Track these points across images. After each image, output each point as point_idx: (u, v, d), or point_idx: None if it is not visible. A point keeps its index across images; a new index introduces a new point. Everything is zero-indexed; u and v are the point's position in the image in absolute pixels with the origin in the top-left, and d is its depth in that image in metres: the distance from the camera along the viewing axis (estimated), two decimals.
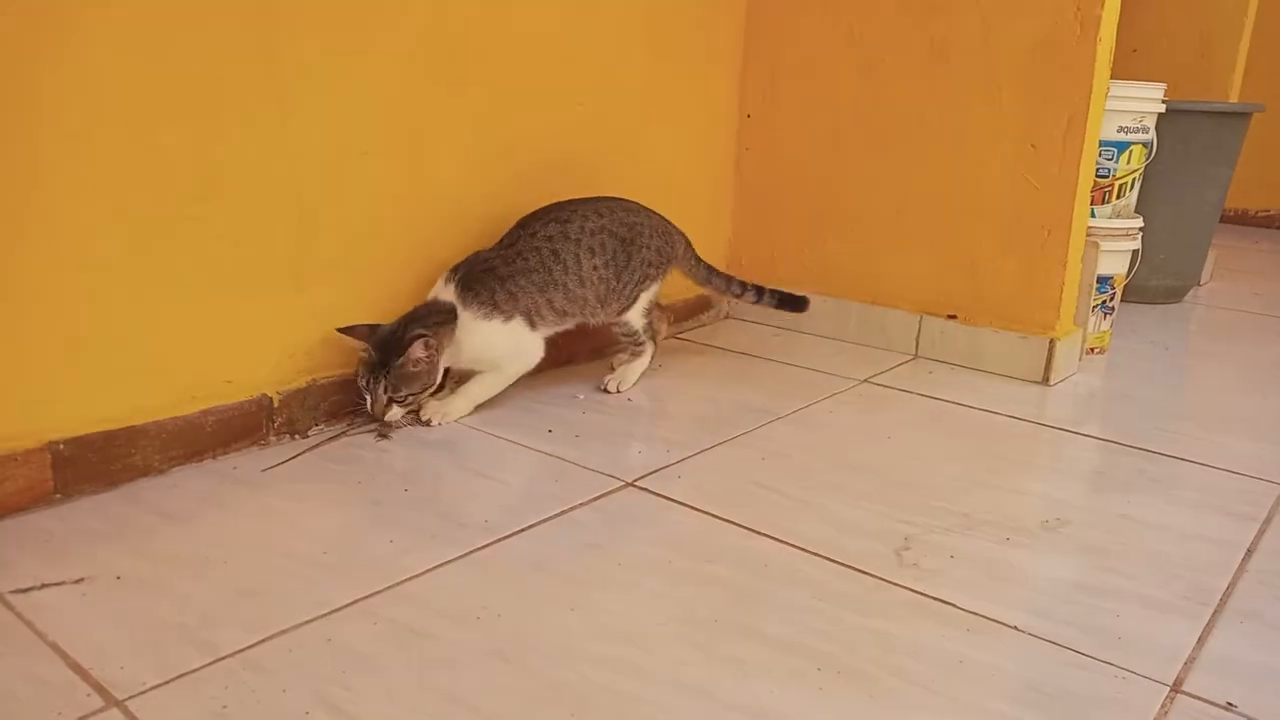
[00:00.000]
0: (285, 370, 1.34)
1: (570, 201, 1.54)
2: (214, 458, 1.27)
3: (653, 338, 1.64)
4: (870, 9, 1.82)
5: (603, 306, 1.54)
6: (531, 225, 1.49)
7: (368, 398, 1.34)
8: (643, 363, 1.63)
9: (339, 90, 1.32)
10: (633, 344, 1.62)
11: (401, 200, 1.44)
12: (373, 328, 1.36)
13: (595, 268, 1.51)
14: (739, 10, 1.96)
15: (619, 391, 1.58)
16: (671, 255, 1.63)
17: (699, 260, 1.70)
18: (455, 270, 1.44)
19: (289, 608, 0.93)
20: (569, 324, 1.54)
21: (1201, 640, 0.94)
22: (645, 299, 1.60)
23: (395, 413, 1.36)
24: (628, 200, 1.60)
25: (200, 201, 1.21)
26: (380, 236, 1.42)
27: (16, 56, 1.03)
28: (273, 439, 1.33)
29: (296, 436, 1.35)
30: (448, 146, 1.48)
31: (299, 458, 1.28)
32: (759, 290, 1.74)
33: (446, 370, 1.43)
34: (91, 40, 1.08)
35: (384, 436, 1.37)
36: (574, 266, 1.48)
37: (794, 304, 1.77)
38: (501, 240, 1.50)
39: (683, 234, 1.67)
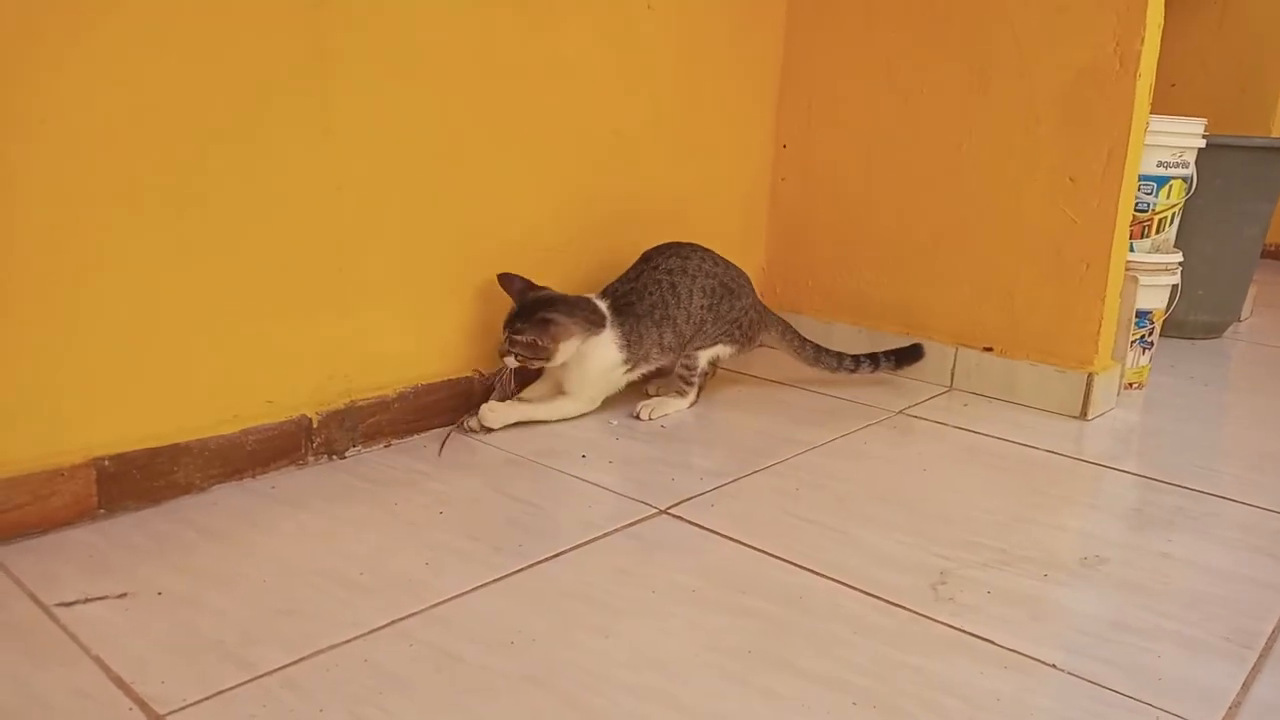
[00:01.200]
0: (325, 392, 1.36)
1: (684, 244, 1.63)
2: (253, 476, 1.29)
3: (700, 385, 1.66)
4: (908, 41, 1.83)
5: (687, 345, 1.61)
6: (654, 259, 1.60)
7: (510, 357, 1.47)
8: (681, 403, 1.64)
9: (384, 117, 1.34)
10: (683, 381, 1.63)
11: (445, 227, 1.46)
12: (529, 287, 1.49)
13: (701, 307, 1.59)
14: (776, 41, 1.98)
15: (649, 419, 1.59)
16: (758, 330, 1.68)
17: (804, 340, 1.73)
18: (604, 294, 1.58)
19: (326, 627, 0.93)
20: (657, 365, 1.61)
21: (1246, 686, 0.92)
22: (719, 351, 1.64)
23: (510, 362, 1.47)
24: (734, 267, 1.67)
25: (247, 224, 1.23)
26: (424, 262, 1.44)
27: (68, 82, 1.06)
28: (311, 459, 1.34)
29: (334, 457, 1.37)
30: (491, 175, 1.50)
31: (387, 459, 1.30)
32: (873, 359, 1.75)
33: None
34: (139, 63, 1.11)
35: (473, 431, 1.47)
36: (685, 301, 1.58)
37: (912, 356, 1.77)
38: (626, 275, 1.61)
39: (780, 319, 1.73)
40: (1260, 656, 0.96)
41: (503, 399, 1.53)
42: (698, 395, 1.66)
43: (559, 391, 1.56)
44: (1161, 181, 1.91)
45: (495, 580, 1.04)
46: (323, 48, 1.26)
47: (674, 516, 1.23)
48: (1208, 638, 1.00)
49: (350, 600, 0.99)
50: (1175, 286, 1.89)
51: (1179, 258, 1.89)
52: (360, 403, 1.39)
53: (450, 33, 1.40)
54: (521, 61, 1.51)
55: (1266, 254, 3.65)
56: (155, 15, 1.10)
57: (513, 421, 1.50)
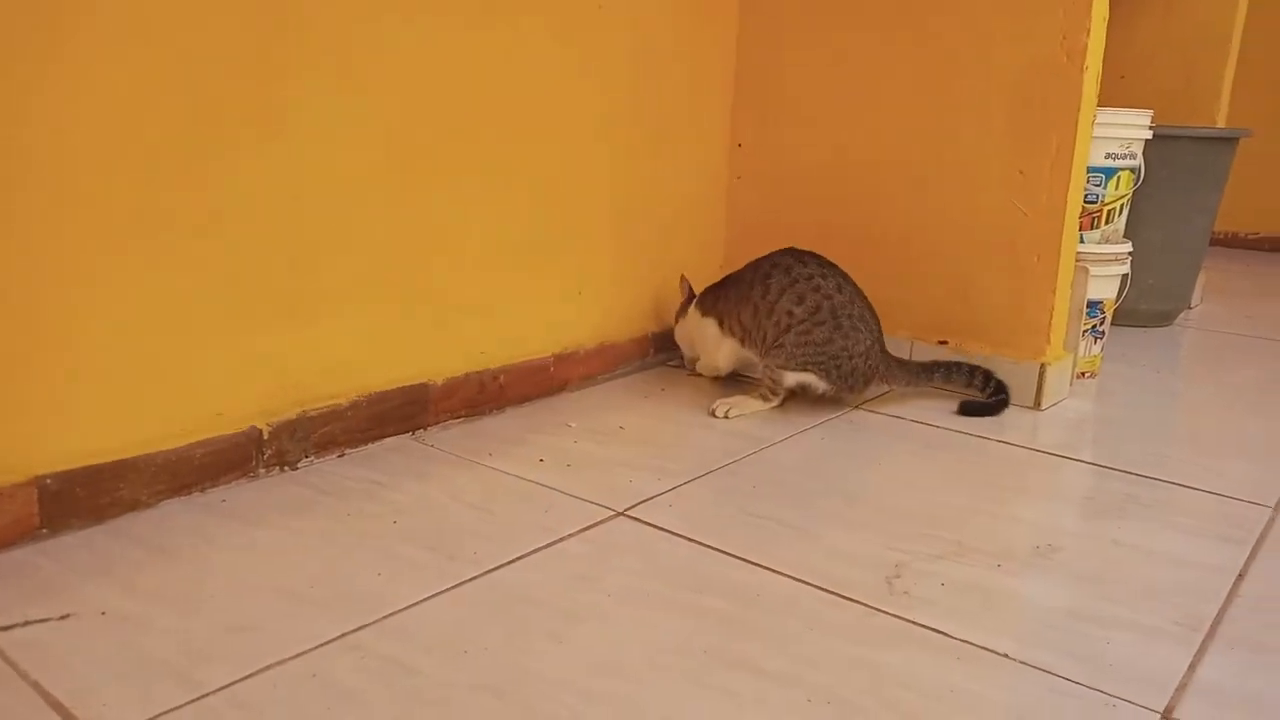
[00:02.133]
0: (276, 401, 1.34)
1: (818, 255, 1.64)
2: (203, 491, 1.26)
3: (782, 399, 1.66)
4: (861, 39, 1.84)
5: (769, 349, 1.61)
6: (774, 255, 1.65)
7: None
8: (761, 405, 1.64)
9: (335, 123, 1.33)
10: (769, 389, 1.64)
11: (400, 233, 1.44)
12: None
13: (788, 314, 1.58)
14: (729, 40, 1.98)
15: (725, 417, 1.61)
16: (869, 380, 1.63)
17: (929, 371, 1.69)
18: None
19: (275, 642, 0.92)
20: (748, 347, 1.66)
21: (1192, 667, 0.93)
22: (807, 379, 1.60)
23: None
24: (870, 316, 1.63)
25: (196, 235, 1.21)
26: (379, 269, 1.42)
27: (13, 93, 1.03)
28: (262, 471, 1.32)
29: (287, 468, 1.35)
30: (446, 179, 1.49)
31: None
32: (977, 376, 1.69)
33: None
34: (87, 70, 1.09)
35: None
36: (771, 296, 1.60)
37: (997, 405, 1.68)
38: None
39: (902, 362, 1.69)
40: (1206, 639, 0.98)
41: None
42: (781, 403, 1.66)
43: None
44: (1110, 173, 1.93)
45: (449, 589, 1.03)
46: (270, 55, 1.24)
47: (631, 518, 1.22)
48: (1157, 623, 1.01)
49: (300, 614, 0.97)
50: (1125, 276, 1.91)
51: (1128, 248, 1.92)
52: (312, 412, 1.37)
53: (401, 38, 1.38)
54: (473, 65, 1.49)
55: (1215, 242, 3.73)
56: (110, 27, 1.08)
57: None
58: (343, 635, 0.94)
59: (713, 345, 1.73)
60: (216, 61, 1.20)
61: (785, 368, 1.60)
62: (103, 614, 0.96)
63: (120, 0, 1.10)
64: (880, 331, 1.65)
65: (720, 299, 1.70)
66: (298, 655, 0.90)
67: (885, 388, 1.73)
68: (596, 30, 1.69)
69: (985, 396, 1.67)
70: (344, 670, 0.88)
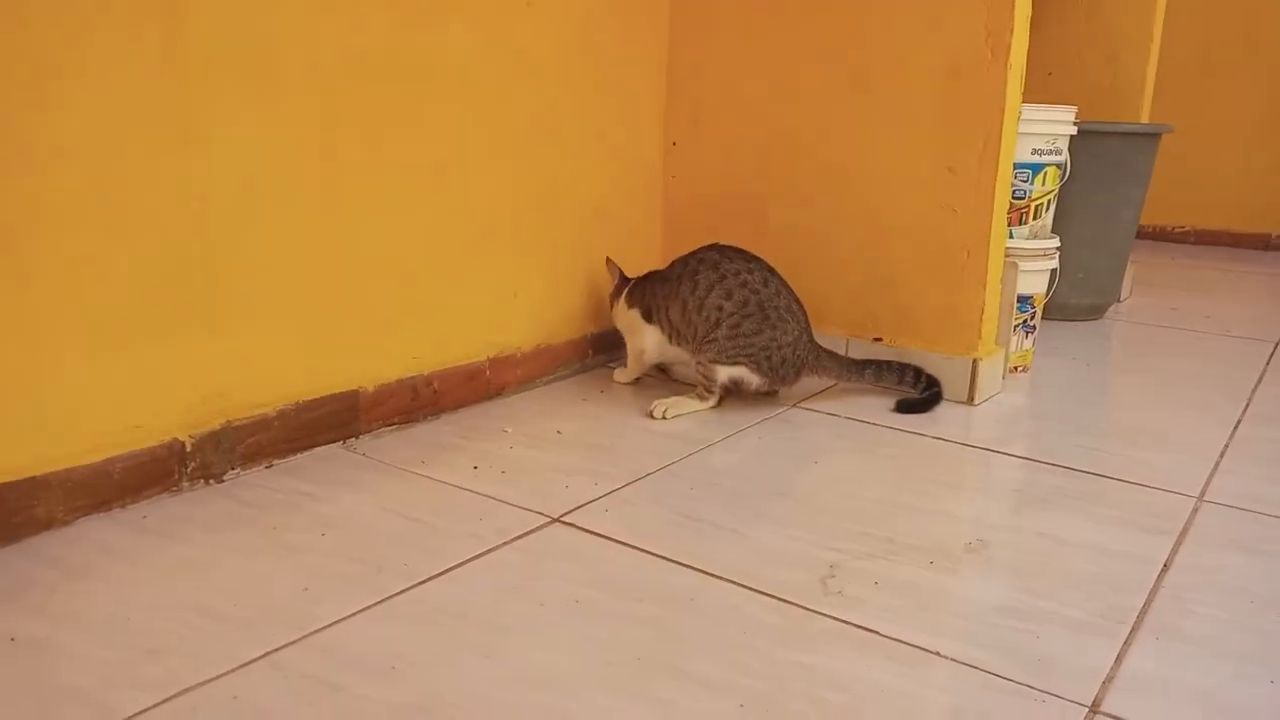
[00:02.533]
0: (199, 413, 1.30)
1: (743, 250, 1.66)
2: (122, 507, 1.22)
3: (722, 397, 1.67)
4: (790, 38, 1.84)
5: (700, 344, 1.63)
6: (700, 250, 1.67)
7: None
8: (699, 405, 1.65)
9: (250, 122, 1.29)
10: (704, 388, 1.65)
11: (329, 239, 1.41)
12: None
13: (716, 309, 1.60)
14: (661, 39, 1.97)
15: (663, 418, 1.61)
16: (799, 369, 1.64)
17: (860, 366, 1.70)
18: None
19: (194, 665, 0.89)
20: (676, 343, 1.69)
21: (1119, 659, 0.95)
22: (740, 374, 1.61)
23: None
24: (797, 308, 1.65)
25: (104, 241, 1.17)
26: (302, 273, 1.39)
27: None
28: (186, 485, 1.28)
29: (211, 481, 1.31)
30: (368, 184, 1.45)
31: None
32: (907, 373, 1.70)
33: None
34: None
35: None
36: (700, 292, 1.62)
37: (931, 400, 1.69)
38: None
39: (833, 354, 1.69)
40: (1131, 630, 1.00)
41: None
42: (718, 402, 1.66)
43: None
44: (1036, 169, 1.97)
45: (377, 603, 1.01)
46: (177, 49, 1.20)
47: (567, 525, 1.21)
48: (1085, 616, 1.02)
49: (222, 634, 0.94)
50: (1054, 271, 1.95)
51: (1056, 243, 1.95)
52: (238, 422, 1.33)
53: (318, 37, 1.35)
54: (397, 63, 1.46)
55: (1142, 236, 3.82)
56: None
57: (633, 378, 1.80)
58: (266, 654, 0.91)
59: (639, 336, 1.74)
60: (125, 60, 1.16)
61: (717, 362, 1.61)
62: (11, 640, 0.92)
63: None
64: (808, 322, 1.66)
65: (648, 294, 1.72)
66: (218, 677, 0.87)
67: (823, 383, 1.76)
68: (526, 29, 1.67)
69: (918, 393, 1.68)
70: (267, 691, 0.86)
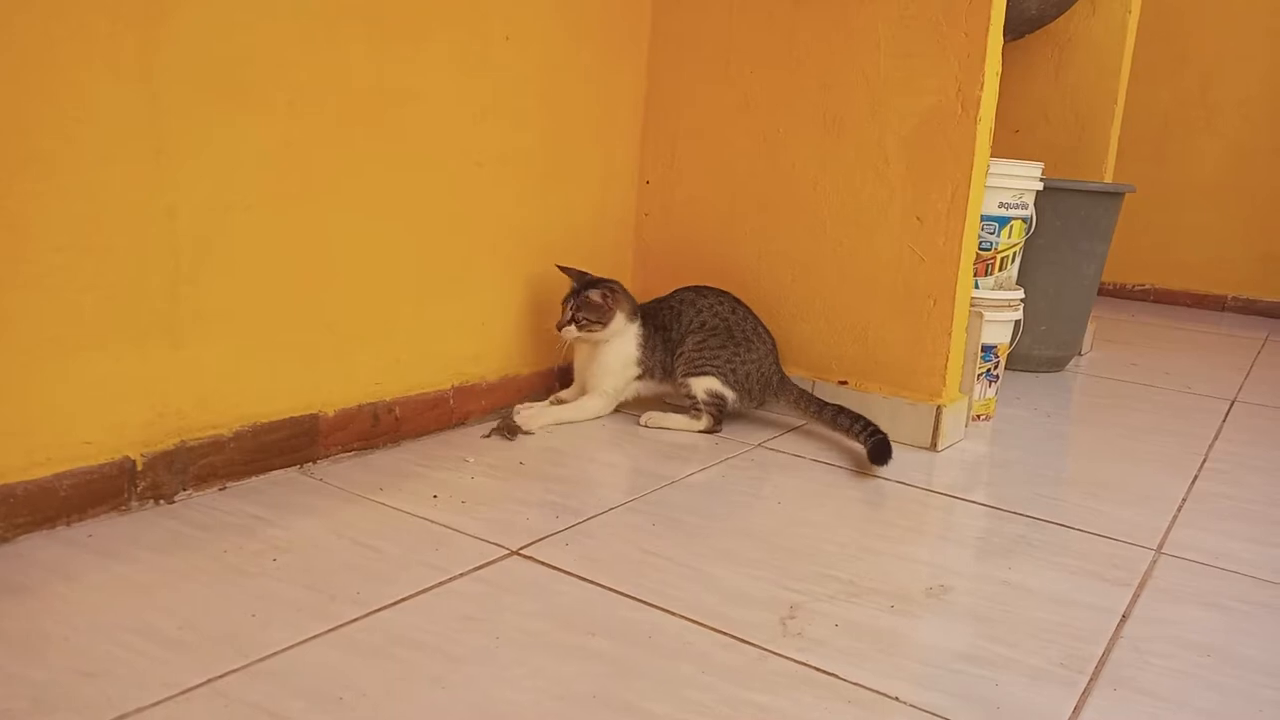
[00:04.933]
0: (153, 430, 1.27)
1: (714, 288, 1.80)
2: (68, 525, 1.18)
3: (712, 420, 1.74)
4: (765, 84, 1.87)
5: (677, 372, 1.75)
6: (679, 292, 1.81)
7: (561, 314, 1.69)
8: (689, 423, 1.74)
9: (221, 141, 1.28)
10: (693, 407, 1.75)
11: (293, 259, 1.39)
12: (583, 273, 1.73)
13: (692, 331, 1.75)
14: (639, 78, 1.99)
15: (647, 426, 1.73)
16: (764, 389, 1.76)
17: (822, 404, 1.73)
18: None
19: (132, 690, 0.86)
20: (656, 388, 1.79)
21: (1077, 709, 0.94)
22: (712, 385, 1.72)
23: (570, 331, 1.68)
24: (763, 333, 1.79)
25: (65, 253, 1.14)
26: (267, 292, 1.37)
27: None
28: (135, 504, 1.25)
29: (162, 502, 1.27)
30: (339, 205, 1.44)
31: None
32: (862, 428, 1.66)
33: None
34: None
35: (508, 437, 1.63)
36: (684, 327, 1.75)
37: (880, 453, 1.61)
38: (656, 299, 1.83)
39: (798, 388, 1.77)
40: (1090, 680, 0.99)
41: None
42: (715, 424, 1.74)
43: (583, 393, 1.78)
44: (1003, 221, 2.00)
45: (327, 631, 0.98)
46: (151, 66, 1.19)
47: (525, 557, 1.19)
48: (1044, 664, 1.02)
49: (163, 658, 0.91)
50: (1018, 322, 1.97)
51: (1021, 294, 1.98)
52: (192, 442, 1.30)
53: (296, 59, 1.34)
54: (375, 92, 1.46)
55: (1104, 292, 3.90)
56: None
57: (548, 423, 1.70)
58: (208, 681, 0.88)
59: (623, 372, 1.77)
60: (97, 74, 1.14)
61: (689, 374, 1.73)
62: None
63: None
64: (775, 350, 1.80)
65: (653, 337, 1.77)
66: (156, 704, 0.84)
67: (790, 417, 1.82)
68: (505, 63, 1.67)
69: (862, 441, 1.64)
70: (206, 719, 0.83)
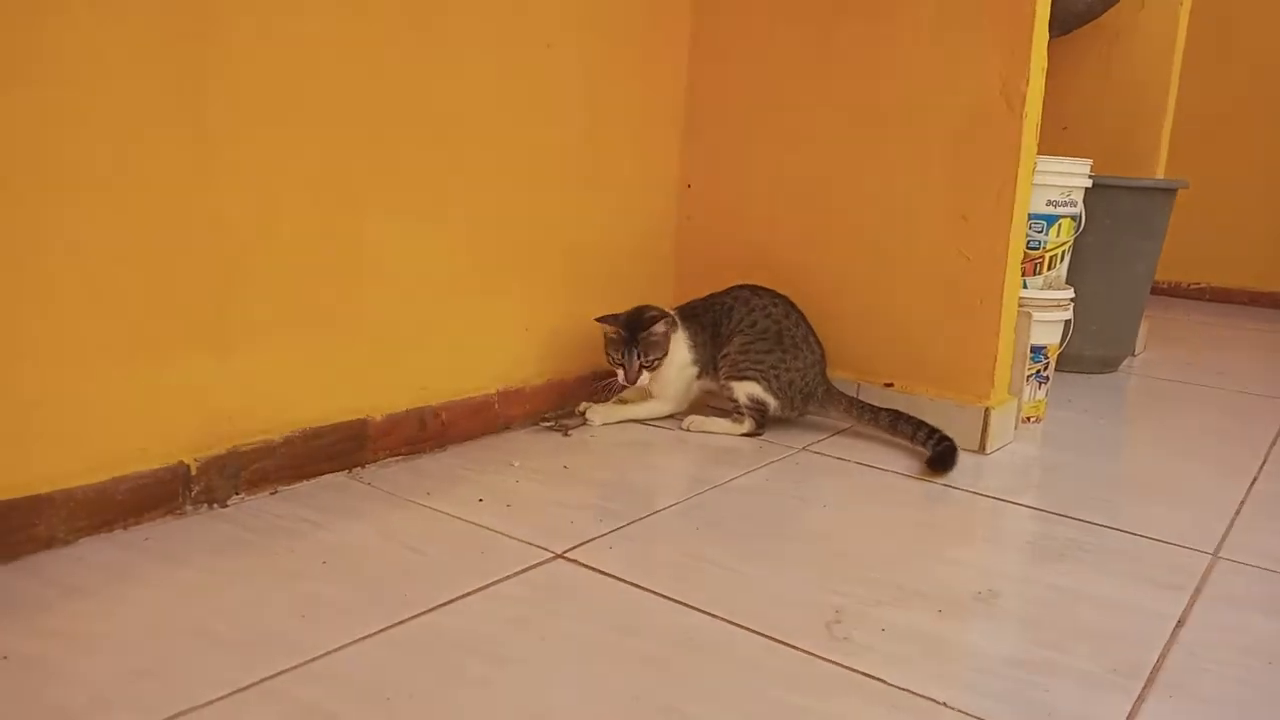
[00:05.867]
0: (205, 436, 1.29)
1: (766, 288, 1.79)
2: (125, 528, 1.21)
3: (759, 422, 1.73)
4: (806, 85, 1.86)
5: (717, 369, 1.75)
6: (733, 289, 1.79)
7: (620, 369, 1.67)
8: (730, 427, 1.73)
9: (268, 153, 1.30)
10: (734, 410, 1.74)
11: (341, 265, 1.41)
12: (616, 315, 1.70)
13: (742, 332, 1.73)
14: (679, 83, 1.99)
15: (688, 430, 1.73)
16: (807, 397, 1.74)
17: (877, 410, 1.71)
18: (679, 309, 1.79)
19: (187, 688, 0.88)
20: (714, 382, 1.77)
21: (1131, 716, 0.92)
22: (753, 390, 1.71)
23: (645, 378, 1.68)
24: (813, 340, 1.77)
25: (118, 264, 1.17)
26: (317, 302, 1.39)
27: None
28: (189, 509, 1.28)
29: (215, 506, 1.30)
30: (383, 212, 1.46)
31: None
32: (924, 431, 1.65)
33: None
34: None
35: (566, 434, 1.68)
36: (734, 325, 1.74)
37: (946, 460, 1.59)
38: (705, 296, 1.82)
39: (845, 396, 1.76)
40: (1145, 687, 0.97)
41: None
42: (757, 428, 1.73)
43: (646, 397, 1.78)
44: (1051, 220, 1.96)
45: (376, 632, 1.00)
46: (201, 83, 1.22)
47: (570, 560, 1.20)
48: (1096, 670, 1.00)
49: (217, 658, 0.93)
50: (1068, 322, 1.94)
51: (1071, 294, 1.94)
52: (243, 448, 1.33)
53: (339, 68, 1.37)
54: (418, 102, 1.48)
55: (1158, 291, 3.81)
56: (21, 44, 1.05)
57: (616, 420, 1.75)
58: (260, 681, 0.90)
59: (681, 374, 1.77)
60: (137, 78, 1.17)
61: (731, 378, 1.72)
62: (4, 658, 0.91)
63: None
64: (823, 358, 1.77)
65: (700, 335, 1.77)
66: (210, 703, 0.86)
67: (835, 422, 1.80)
68: (547, 69, 1.69)
69: (929, 449, 1.62)
70: (258, 718, 0.84)
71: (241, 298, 1.31)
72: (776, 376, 1.71)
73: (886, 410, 1.69)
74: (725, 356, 1.73)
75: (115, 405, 1.20)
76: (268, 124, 1.30)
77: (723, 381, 1.74)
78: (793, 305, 1.78)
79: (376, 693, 0.89)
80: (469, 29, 1.54)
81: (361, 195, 1.43)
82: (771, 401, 1.72)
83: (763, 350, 1.71)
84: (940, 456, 1.58)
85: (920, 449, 1.65)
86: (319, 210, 1.38)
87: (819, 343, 1.77)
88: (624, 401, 1.81)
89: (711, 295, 1.81)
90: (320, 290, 1.40)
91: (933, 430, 1.63)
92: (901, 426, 1.67)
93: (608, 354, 1.71)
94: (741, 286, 1.80)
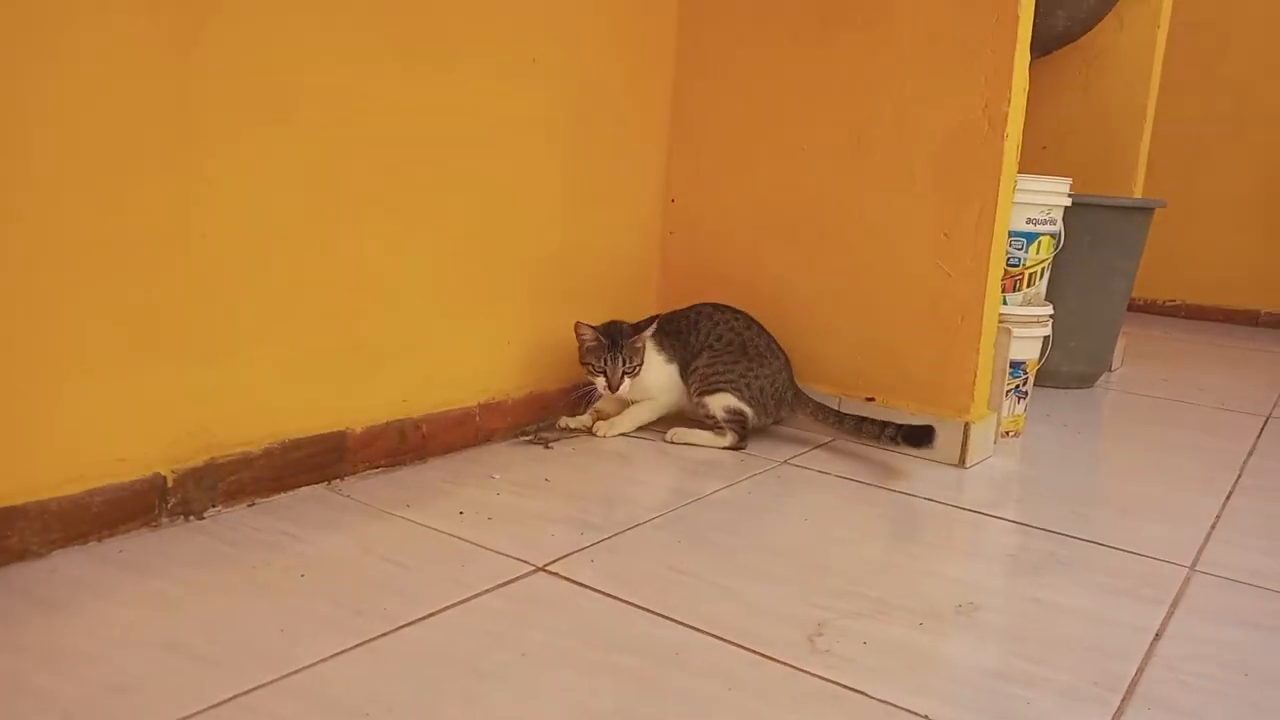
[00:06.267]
0: (183, 447, 1.28)
1: (729, 306, 1.82)
2: (99, 540, 1.20)
3: (740, 435, 1.74)
4: (791, 101, 1.87)
5: (692, 385, 1.76)
6: (697, 305, 1.83)
7: (602, 376, 1.67)
8: (713, 439, 1.74)
9: (257, 164, 1.30)
10: (714, 425, 1.75)
11: (322, 276, 1.41)
12: (594, 326, 1.71)
13: (710, 347, 1.76)
14: (664, 98, 2.00)
15: (671, 441, 1.74)
16: (778, 403, 1.77)
17: (841, 415, 1.74)
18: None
19: (162, 704, 0.86)
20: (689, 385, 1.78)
21: None
22: (729, 401, 1.72)
23: (627, 384, 1.68)
24: (776, 349, 1.80)
25: (97, 272, 1.16)
26: (297, 313, 1.38)
27: None
28: (165, 520, 1.26)
29: (192, 518, 1.29)
30: (367, 225, 1.46)
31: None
32: (889, 431, 1.68)
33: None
34: None
35: (547, 446, 1.68)
36: (700, 337, 1.77)
37: (922, 437, 1.65)
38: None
39: (811, 399, 1.78)
40: (1123, 699, 0.98)
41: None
42: (740, 440, 1.74)
43: (622, 408, 1.79)
44: (1031, 237, 1.98)
45: (355, 646, 0.99)
46: (189, 95, 1.21)
47: (551, 574, 1.19)
48: (1076, 682, 1.00)
49: (192, 673, 0.92)
50: (1047, 338, 1.96)
51: (1050, 310, 1.96)
52: (221, 459, 1.31)
53: (326, 84, 1.36)
54: (404, 116, 1.48)
55: (1134, 308, 3.85)
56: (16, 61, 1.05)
57: (628, 429, 1.77)
58: (236, 696, 0.89)
59: (663, 370, 1.79)
60: (129, 93, 1.17)
61: (704, 393, 1.74)
62: None
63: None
64: (788, 364, 1.80)
65: (667, 340, 1.80)
66: (186, 718, 0.85)
67: (812, 433, 1.82)
68: (532, 85, 1.69)
69: (897, 436, 1.66)
70: None
71: (221, 308, 1.30)
72: (747, 385, 1.73)
73: (851, 415, 1.72)
74: (695, 372, 1.75)
75: (91, 415, 1.19)
76: (255, 134, 1.29)
77: (696, 399, 1.76)
78: (752, 320, 1.81)
79: (356, 708, 0.88)
80: (451, 43, 1.54)
81: (343, 206, 1.42)
82: (747, 410, 1.73)
83: (729, 361, 1.74)
84: (917, 431, 1.64)
85: (891, 446, 1.69)
86: (301, 221, 1.37)
87: (782, 350, 1.81)
88: (602, 415, 1.81)
89: (674, 311, 1.84)
90: (302, 302, 1.39)
91: (900, 425, 1.67)
92: (866, 428, 1.70)
93: (587, 363, 1.70)
94: (702, 304, 1.83)
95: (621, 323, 1.73)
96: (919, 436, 1.64)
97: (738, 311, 1.81)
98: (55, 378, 1.15)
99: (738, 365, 1.73)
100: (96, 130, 1.14)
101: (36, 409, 1.14)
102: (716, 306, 1.82)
